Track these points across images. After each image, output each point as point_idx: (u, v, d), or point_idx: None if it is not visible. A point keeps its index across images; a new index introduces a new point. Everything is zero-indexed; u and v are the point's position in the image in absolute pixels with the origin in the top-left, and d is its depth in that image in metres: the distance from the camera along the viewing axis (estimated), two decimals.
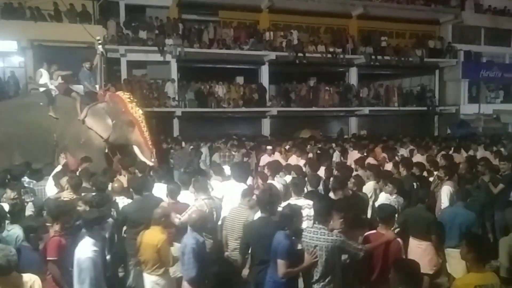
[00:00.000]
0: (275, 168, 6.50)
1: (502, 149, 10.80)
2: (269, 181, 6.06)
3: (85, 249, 3.88)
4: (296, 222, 4.01)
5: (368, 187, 6.27)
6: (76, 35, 14.83)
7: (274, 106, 18.83)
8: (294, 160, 9.03)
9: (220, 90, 18.20)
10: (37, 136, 7.85)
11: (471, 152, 10.43)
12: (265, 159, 9.89)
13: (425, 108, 21.85)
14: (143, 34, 16.57)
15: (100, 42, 9.74)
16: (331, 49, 19.28)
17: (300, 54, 18.53)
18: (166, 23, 17.30)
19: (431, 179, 7.05)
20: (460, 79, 22.50)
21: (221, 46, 17.56)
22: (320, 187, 6.19)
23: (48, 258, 4.01)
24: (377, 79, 23.10)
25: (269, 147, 10.74)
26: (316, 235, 3.80)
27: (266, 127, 19.22)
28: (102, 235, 4.28)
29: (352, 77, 21.11)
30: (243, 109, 18.30)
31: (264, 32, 18.98)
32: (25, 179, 6.19)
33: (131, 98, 8.65)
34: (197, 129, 16.67)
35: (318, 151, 11.41)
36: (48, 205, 4.75)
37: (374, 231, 4.20)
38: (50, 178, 5.83)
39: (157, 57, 16.74)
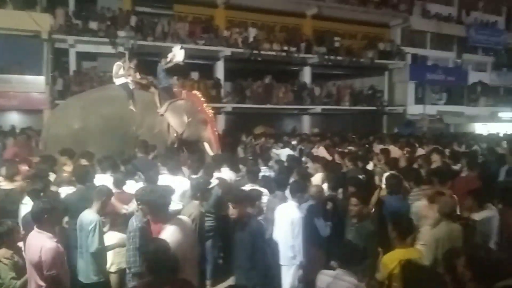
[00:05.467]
0: (220, 161, 6.62)
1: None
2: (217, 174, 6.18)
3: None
4: None
5: (316, 179, 6.50)
6: (21, 23, 14.17)
7: (229, 103, 18.84)
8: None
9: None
10: (118, 128, 8.08)
11: None
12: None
13: (374, 108, 22.67)
14: (93, 25, 15.99)
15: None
16: (285, 48, 19.52)
17: (255, 51, 18.65)
18: (119, 15, 16.83)
19: None
20: (408, 81, 23.54)
21: (175, 40, 17.32)
22: None
23: None
24: (330, 79, 23.66)
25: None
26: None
27: (220, 123, 19.13)
28: None
29: (306, 76, 21.48)
30: None
31: (219, 28, 18.94)
32: None
33: (203, 97, 9.62)
34: None
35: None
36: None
37: None
38: None
39: (109, 49, 16.23)
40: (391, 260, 3.30)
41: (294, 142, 12.43)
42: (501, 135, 18.40)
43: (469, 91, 26.66)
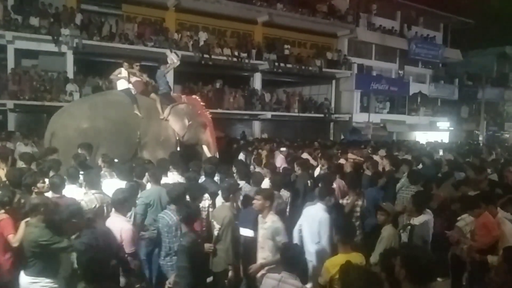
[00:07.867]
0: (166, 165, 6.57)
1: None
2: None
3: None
4: None
5: (265, 183, 6.57)
6: None
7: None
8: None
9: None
10: (122, 133, 8.09)
11: None
12: None
13: (322, 115, 23.33)
14: (35, 21, 15.18)
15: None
16: (236, 53, 19.61)
17: (206, 56, 18.55)
18: (63, 12, 16.10)
19: None
20: (353, 90, 24.43)
21: (123, 40, 16.85)
22: None
23: None
24: (280, 86, 24.06)
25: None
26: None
27: None
28: None
29: (256, 82, 21.72)
30: None
31: (169, 30, 18.66)
32: None
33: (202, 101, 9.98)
34: None
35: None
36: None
37: None
38: None
39: (51, 47, 15.49)
40: (333, 265, 3.36)
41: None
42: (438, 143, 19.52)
43: (410, 101, 28.18)
